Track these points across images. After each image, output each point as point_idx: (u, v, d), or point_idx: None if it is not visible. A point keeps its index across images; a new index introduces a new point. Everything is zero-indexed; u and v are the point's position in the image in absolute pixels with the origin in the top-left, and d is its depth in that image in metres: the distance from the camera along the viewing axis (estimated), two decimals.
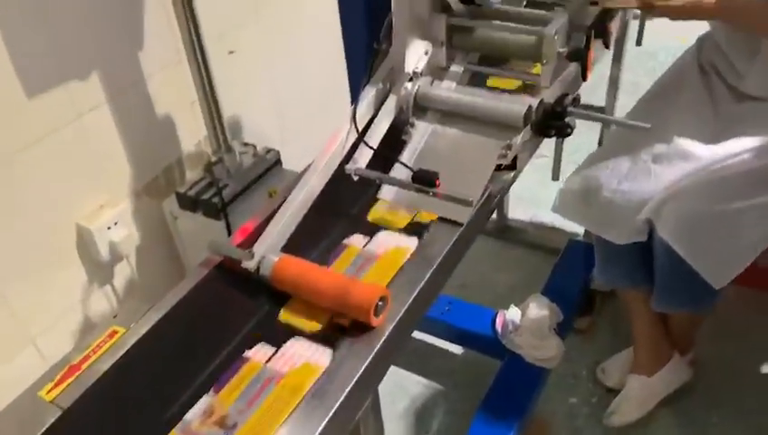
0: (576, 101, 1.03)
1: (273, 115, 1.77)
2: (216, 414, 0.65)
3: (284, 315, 0.76)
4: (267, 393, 0.67)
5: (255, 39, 1.66)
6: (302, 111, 1.80)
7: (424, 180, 0.84)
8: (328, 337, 0.73)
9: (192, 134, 1.53)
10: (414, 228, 0.87)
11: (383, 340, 0.73)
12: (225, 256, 0.83)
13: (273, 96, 1.76)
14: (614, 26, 1.01)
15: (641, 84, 1.50)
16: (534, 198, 2.08)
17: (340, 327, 0.74)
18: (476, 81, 1.04)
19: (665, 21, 1.18)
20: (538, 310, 1.48)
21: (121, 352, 0.75)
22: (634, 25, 1.51)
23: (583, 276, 1.63)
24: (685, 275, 1.28)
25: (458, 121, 0.96)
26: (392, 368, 1.66)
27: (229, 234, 1.38)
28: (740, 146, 1.29)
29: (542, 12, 0.99)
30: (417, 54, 0.97)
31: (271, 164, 1.49)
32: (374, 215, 0.90)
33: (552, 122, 1.02)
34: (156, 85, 1.42)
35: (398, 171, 0.90)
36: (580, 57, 0.94)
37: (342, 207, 0.91)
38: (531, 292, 1.59)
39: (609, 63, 1.67)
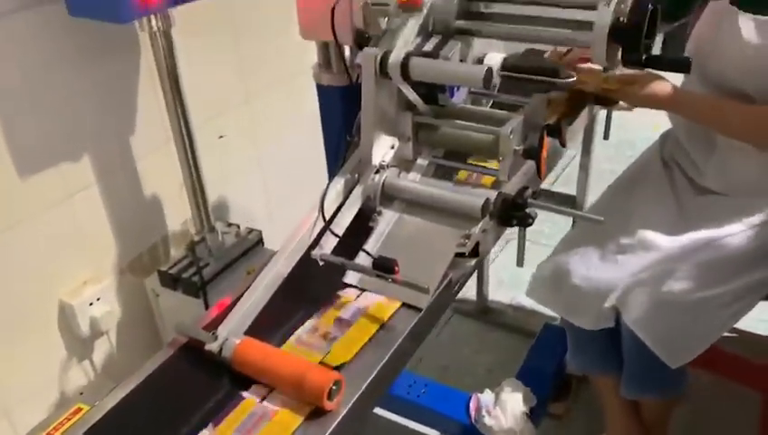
0: (536, 193, 1.09)
1: (259, 196, 1.84)
2: None
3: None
4: None
5: (245, 125, 1.75)
6: (287, 192, 1.87)
7: (383, 267, 0.88)
8: None
9: (179, 214, 1.59)
10: None
11: (336, 422, 0.76)
12: (188, 336, 0.87)
13: (260, 178, 1.83)
14: (576, 126, 1.08)
15: (617, 173, 1.57)
16: (515, 280, 2.12)
17: None
18: (445, 173, 1.10)
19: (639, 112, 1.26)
20: (511, 394, 1.49)
21: (82, 431, 0.77)
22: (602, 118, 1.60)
23: (558, 361, 1.65)
24: (651, 361, 1.31)
25: (422, 211, 1.02)
26: None
27: None
28: (700, 237, 1.34)
29: (501, 112, 1.06)
30: (383, 148, 1.03)
31: (252, 244, 1.54)
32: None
33: (514, 213, 1.08)
34: (145, 167, 1.49)
35: (363, 257, 0.95)
36: (534, 156, 1.00)
37: (310, 290, 0.95)
38: (508, 374, 1.61)
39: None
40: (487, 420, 1.46)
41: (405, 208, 1.03)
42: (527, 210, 1.08)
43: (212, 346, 0.83)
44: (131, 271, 1.53)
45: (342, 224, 0.97)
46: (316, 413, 0.76)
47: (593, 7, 0.95)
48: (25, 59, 1.21)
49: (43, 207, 1.31)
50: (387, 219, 1.03)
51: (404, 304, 0.93)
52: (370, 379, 0.82)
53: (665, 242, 1.35)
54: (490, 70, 0.90)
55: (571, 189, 1.81)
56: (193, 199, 1.45)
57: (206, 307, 1.41)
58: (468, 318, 2.06)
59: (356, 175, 1.02)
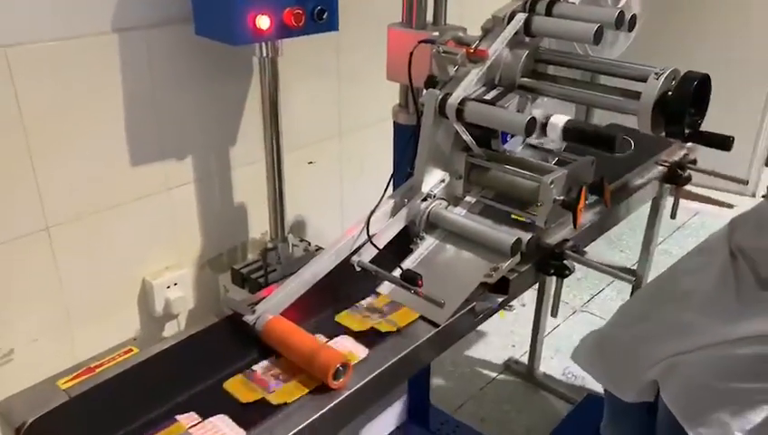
0: (576, 247, 1.15)
1: (333, 221, 1.98)
2: None
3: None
4: None
5: (333, 156, 1.91)
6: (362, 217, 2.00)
7: (409, 279, 0.98)
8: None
9: (260, 223, 1.76)
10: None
11: (336, 401, 0.85)
12: (233, 309, 1.00)
13: (340, 201, 1.99)
14: (609, 188, 1.14)
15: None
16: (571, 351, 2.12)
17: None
18: (490, 213, 1.18)
19: None
20: None
21: (127, 367, 0.92)
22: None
23: (593, 430, 1.64)
24: None
25: (460, 241, 1.11)
26: None
27: None
28: (756, 330, 1.33)
29: (550, 165, 1.15)
30: (434, 180, 1.14)
31: None
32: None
33: (552, 262, 1.15)
34: (238, 177, 1.68)
35: (396, 272, 1.05)
36: (571, 206, 1.07)
37: (344, 290, 1.06)
38: None
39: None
40: None
41: (445, 237, 1.13)
42: (565, 262, 1.15)
43: (249, 318, 0.95)
44: (210, 267, 1.70)
45: (383, 239, 1.07)
46: (321, 389, 0.86)
47: (645, 79, 1.03)
48: (154, 68, 1.43)
49: (145, 194, 1.51)
50: (426, 244, 1.13)
51: (421, 317, 1.01)
52: (377, 372, 0.91)
53: (719, 328, 1.35)
54: (533, 119, 1.00)
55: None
56: (272, 210, 1.61)
57: None
58: (517, 378, 2.08)
59: (405, 199, 1.13)
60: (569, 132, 1.19)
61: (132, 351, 0.95)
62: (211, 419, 0.82)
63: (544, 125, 1.19)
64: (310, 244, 1.72)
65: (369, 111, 1.94)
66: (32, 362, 1.41)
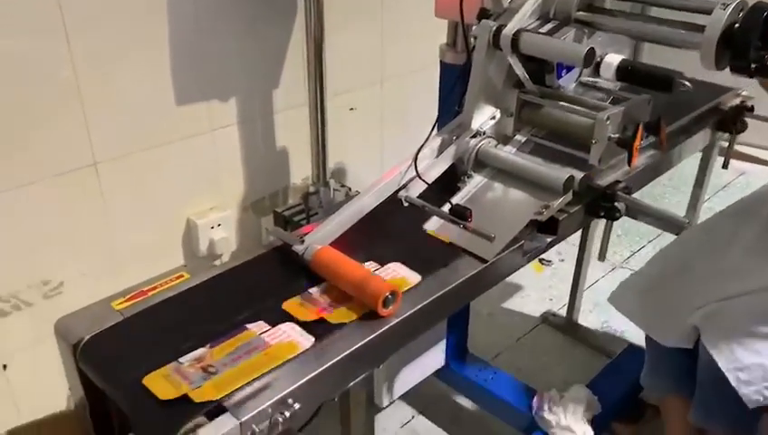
0: (627, 189, 1.13)
1: (376, 165, 1.97)
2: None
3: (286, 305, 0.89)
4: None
5: (376, 100, 1.89)
6: None
7: (458, 214, 0.97)
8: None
9: (302, 168, 1.76)
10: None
11: (386, 327, 0.85)
12: (282, 240, 1.00)
13: (380, 148, 1.97)
14: (665, 129, 1.11)
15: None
16: (611, 306, 2.10)
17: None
18: (540, 153, 1.15)
19: None
20: (576, 395, 1.51)
21: (177, 292, 0.93)
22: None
23: (632, 381, 1.63)
24: (725, 391, 1.28)
25: (510, 179, 1.09)
26: (430, 425, 1.72)
27: None
28: None
29: (604, 103, 1.11)
30: (484, 117, 1.12)
31: None
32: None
33: (602, 203, 1.13)
34: (281, 121, 1.67)
35: (444, 208, 1.04)
36: (626, 145, 1.04)
37: (389, 228, 1.06)
38: None
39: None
40: (547, 415, 1.49)
41: (494, 175, 1.11)
42: (616, 203, 1.13)
43: (298, 248, 0.96)
44: (253, 210, 1.71)
45: (431, 176, 1.06)
46: (370, 316, 0.86)
47: (709, 12, 0.99)
48: (199, 8, 1.42)
49: (189, 135, 1.52)
50: (475, 182, 1.11)
51: (472, 254, 1.00)
52: (426, 301, 0.90)
53: (762, 274, 1.32)
54: (592, 50, 0.96)
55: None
56: (314, 157, 1.60)
57: None
58: (555, 330, 2.07)
59: (454, 136, 1.12)
60: (623, 72, 1.16)
61: (184, 276, 0.96)
62: (281, 326, 0.84)
63: (598, 64, 1.16)
64: (350, 189, 1.72)
65: (414, 58, 1.90)
66: (81, 295, 1.44)
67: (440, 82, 1.41)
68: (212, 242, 1.60)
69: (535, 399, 1.55)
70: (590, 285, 2.15)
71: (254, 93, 1.61)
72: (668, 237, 1.68)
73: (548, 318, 2.10)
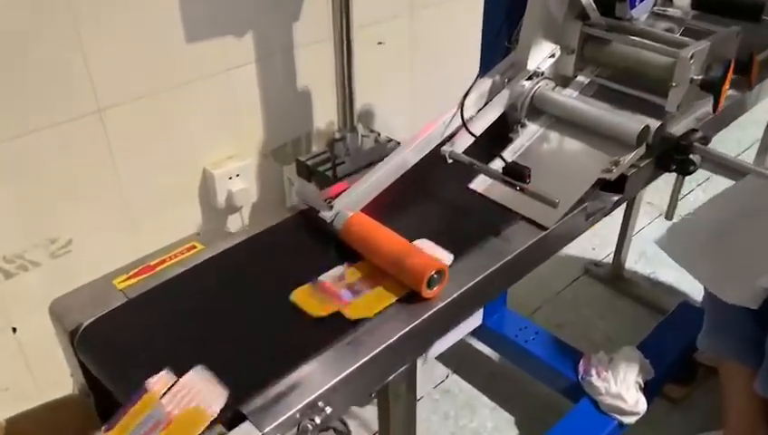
0: (705, 139, 0.97)
1: (406, 108, 1.81)
2: None
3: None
4: None
5: (405, 33, 1.71)
6: (435, 108, 1.83)
7: (514, 173, 0.82)
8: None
9: (326, 112, 1.60)
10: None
11: (431, 312, 0.73)
12: (308, 203, 0.87)
13: (411, 90, 1.80)
14: (759, 67, 0.93)
15: None
16: (659, 257, 1.95)
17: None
18: (606, 96, 0.99)
19: None
20: (627, 359, 1.39)
21: (191, 265, 0.80)
22: None
23: (687, 342, 1.50)
24: None
25: (571, 129, 0.94)
26: (465, 386, 1.63)
27: None
28: None
29: (686, 38, 0.94)
30: (542, 54, 0.95)
31: (389, 152, 1.52)
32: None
33: (675, 155, 0.97)
34: (303, 58, 1.51)
35: (495, 165, 0.89)
36: (713, 88, 0.88)
37: (431, 189, 0.92)
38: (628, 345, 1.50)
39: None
40: (595, 381, 1.37)
41: (552, 125, 0.96)
42: (691, 156, 0.97)
43: (326, 215, 0.82)
44: (274, 157, 1.57)
45: (480, 126, 0.91)
46: (412, 297, 0.73)
47: None
48: None
49: (202, 76, 1.37)
50: (529, 132, 0.96)
51: (528, 220, 0.86)
52: (476, 280, 0.77)
53: None
54: None
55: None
56: (341, 98, 1.45)
57: None
58: (599, 282, 1.93)
59: (506, 79, 0.96)
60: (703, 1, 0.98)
61: (196, 247, 0.84)
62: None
63: None
64: (379, 135, 1.57)
65: None
66: (91, 253, 1.33)
67: (485, 11, 1.23)
68: (230, 194, 1.47)
69: (582, 362, 1.44)
70: (634, 233, 2.00)
71: (272, 26, 1.44)
72: (721, 181, 1.51)
73: (590, 269, 1.96)
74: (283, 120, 1.55)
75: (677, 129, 0.97)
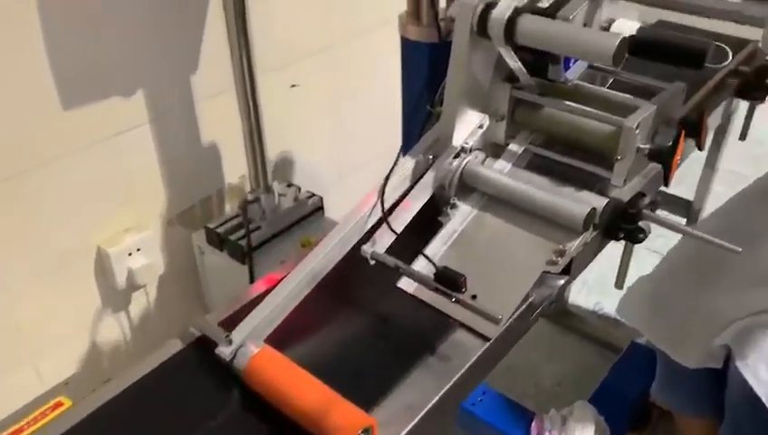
0: (654, 204, 0.86)
1: (327, 158, 1.67)
2: None
3: None
4: None
5: (321, 76, 1.57)
6: (359, 157, 1.70)
7: (448, 282, 0.70)
8: None
9: (239, 166, 1.44)
10: None
11: None
12: (202, 332, 0.72)
13: (331, 138, 1.66)
14: (712, 122, 0.84)
15: (742, 175, 1.30)
16: (602, 284, 1.88)
17: None
18: (542, 165, 0.88)
19: None
20: (581, 418, 1.29)
21: (59, 432, 0.64)
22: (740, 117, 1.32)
23: (643, 388, 1.42)
24: (763, 417, 1.07)
25: (507, 211, 0.82)
26: None
27: (251, 280, 1.27)
28: None
29: (627, 96, 0.84)
30: (469, 127, 0.83)
31: (311, 210, 1.38)
32: None
33: (623, 225, 0.86)
34: (206, 110, 1.35)
35: (425, 263, 0.76)
36: (663, 159, 0.78)
37: (352, 295, 0.78)
38: (579, 391, 1.41)
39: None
40: None
41: (486, 205, 0.84)
42: (640, 223, 0.86)
43: (224, 351, 0.67)
44: (181, 223, 1.40)
45: (405, 217, 0.78)
46: None
47: None
48: None
49: (86, 145, 1.19)
50: (461, 215, 0.83)
51: (468, 328, 0.74)
52: (412, 424, 0.64)
53: None
54: (624, 41, 0.68)
55: (685, 192, 1.53)
56: (251, 153, 1.30)
57: (251, 276, 1.27)
58: (543, 318, 1.84)
59: (430, 156, 0.83)
60: (642, 44, 0.87)
61: (63, 405, 0.67)
62: None
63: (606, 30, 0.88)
64: (300, 189, 1.42)
65: (368, 12, 1.57)
66: None
67: (403, 64, 1.10)
68: (131, 272, 1.29)
69: (534, 424, 1.33)
70: None
71: (167, 82, 1.27)
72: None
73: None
74: (188, 180, 1.38)
75: (623, 192, 0.87)
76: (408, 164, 0.81)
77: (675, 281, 1.22)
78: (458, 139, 0.82)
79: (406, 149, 1.03)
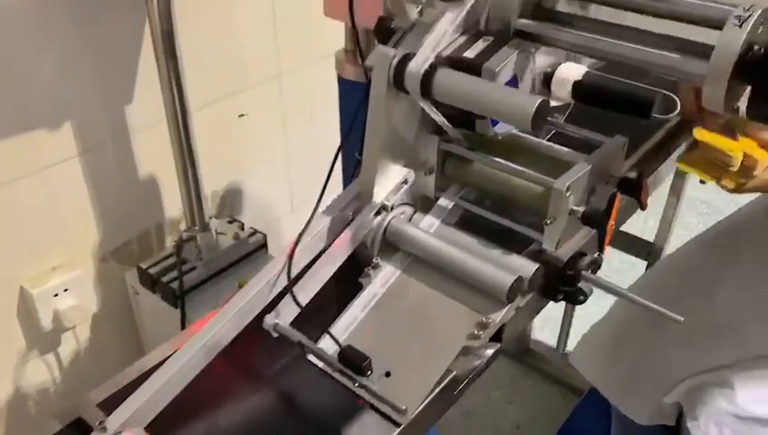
0: (595, 263, 0.80)
1: (276, 191, 1.60)
2: None
3: None
4: None
5: (273, 101, 1.51)
6: (309, 190, 1.63)
7: (351, 364, 0.63)
8: None
9: (178, 199, 1.38)
10: None
11: None
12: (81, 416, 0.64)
13: (282, 170, 1.59)
14: (651, 182, 0.78)
15: (714, 207, 1.24)
16: (564, 322, 1.82)
17: None
18: (474, 221, 0.82)
19: None
20: None
21: None
22: None
23: (603, 433, 1.36)
24: None
25: (432, 274, 0.75)
26: None
27: (183, 326, 1.20)
28: None
29: (563, 149, 0.78)
30: (392, 182, 0.77)
31: (253, 249, 1.31)
32: None
33: (562, 286, 0.80)
34: (142, 142, 1.28)
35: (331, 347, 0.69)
36: (597, 223, 0.71)
37: (254, 370, 0.71)
38: None
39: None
40: None
41: (410, 266, 0.77)
42: (580, 284, 0.80)
43: None
44: (116, 259, 1.33)
45: (313, 286, 0.71)
46: None
47: (719, 26, 0.64)
48: None
49: (6, 181, 1.12)
50: (384, 277, 0.77)
51: (378, 411, 0.67)
52: None
53: (763, 333, 1.04)
54: (544, 106, 0.62)
55: (653, 220, 1.45)
56: (185, 190, 1.23)
57: (183, 320, 1.19)
58: (504, 357, 1.78)
59: (350, 213, 0.76)
60: (586, 91, 0.81)
61: None
62: None
63: (548, 77, 0.82)
64: (243, 226, 1.35)
65: (321, 40, 1.51)
66: None
67: (340, 102, 1.04)
68: (57, 314, 1.22)
69: None
70: None
71: (98, 112, 1.20)
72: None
73: None
74: (124, 214, 1.31)
75: (560, 252, 0.80)
76: (323, 221, 0.74)
77: (629, 328, 1.16)
78: (380, 195, 0.75)
79: (346, 180, 0.96)
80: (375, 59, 0.69)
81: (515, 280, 0.69)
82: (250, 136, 1.48)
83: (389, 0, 0.77)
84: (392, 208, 0.76)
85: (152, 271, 1.23)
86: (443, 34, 0.68)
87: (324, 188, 0.82)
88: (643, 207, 0.81)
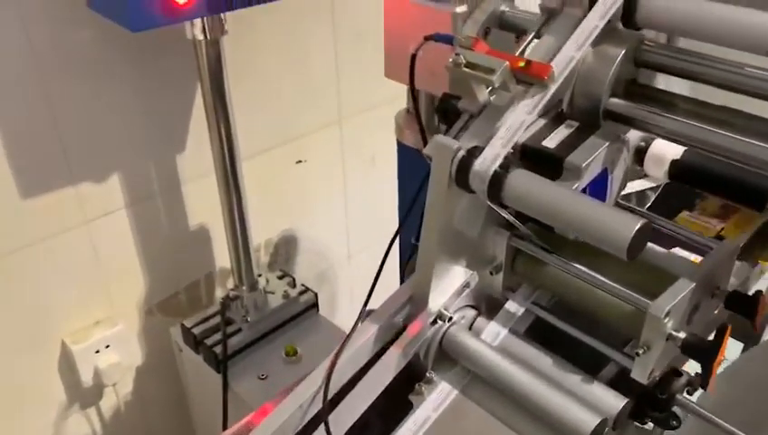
0: (691, 384, 0.67)
1: (337, 237, 1.51)
2: None
3: None
4: None
5: (333, 147, 1.42)
6: (369, 240, 1.54)
7: None
8: None
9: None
10: None
11: None
12: None
13: (341, 215, 1.51)
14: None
15: None
16: None
17: None
18: (547, 332, 0.70)
19: None
20: None
21: None
22: None
23: None
24: None
25: (495, 398, 0.64)
26: None
27: (225, 393, 1.12)
28: None
29: (658, 252, 0.65)
30: (451, 286, 0.66)
31: (303, 309, 1.23)
32: None
33: (651, 411, 0.67)
34: (191, 194, 1.22)
35: None
36: (701, 355, 0.58)
37: None
38: None
39: None
40: None
41: (469, 385, 0.66)
42: (674, 409, 0.67)
43: None
44: (162, 312, 1.27)
45: (354, 412, 0.61)
46: None
47: None
48: (43, 48, 0.96)
49: (50, 234, 1.07)
50: (438, 397, 0.66)
51: None
52: None
53: None
54: (646, 229, 0.49)
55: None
56: (232, 246, 1.15)
57: (225, 389, 1.11)
58: None
59: (400, 319, 0.66)
60: (687, 172, 0.70)
61: None
62: None
63: (641, 152, 0.70)
64: (294, 281, 1.26)
65: (384, 83, 1.42)
66: None
67: (399, 167, 0.94)
68: (97, 371, 1.16)
69: None
70: None
71: (148, 164, 1.15)
72: None
73: None
74: (172, 267, 1.25)
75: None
76: (369, 330, 0.64)
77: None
78: (437, 300, 0.65)
79: (402, 271, 0.87)
80: (434, 150, 0.58)
81: (598, 424, 0.57)
82: (308, 182, 1.40)
83: (445, 79, 0.65)
84: (449, 320, 0.65)
85: (196, 331, 1.16)
86: (518, 126, 0.57)
87: (375, 280, 0.72)
88: (756, 330, 0.67)
